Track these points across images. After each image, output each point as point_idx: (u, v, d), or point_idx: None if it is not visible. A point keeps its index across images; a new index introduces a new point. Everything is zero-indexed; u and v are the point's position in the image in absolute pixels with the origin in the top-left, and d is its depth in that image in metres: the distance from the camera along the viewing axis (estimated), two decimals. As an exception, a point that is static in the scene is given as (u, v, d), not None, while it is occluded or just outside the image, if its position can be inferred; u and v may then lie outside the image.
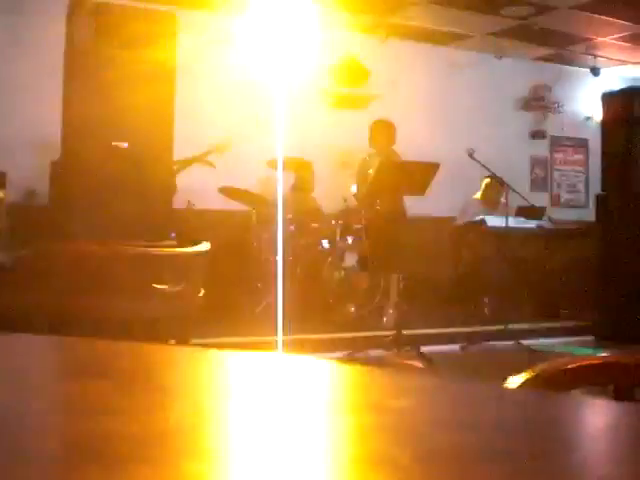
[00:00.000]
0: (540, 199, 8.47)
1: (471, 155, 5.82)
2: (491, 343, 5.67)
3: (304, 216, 7.03)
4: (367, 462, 0.46)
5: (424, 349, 5.18)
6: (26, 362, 0.80)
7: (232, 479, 0.43)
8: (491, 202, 7.18)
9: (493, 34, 8.22)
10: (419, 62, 8.40)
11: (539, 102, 9.31)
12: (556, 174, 9.70)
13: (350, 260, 6.68)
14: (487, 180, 6.99)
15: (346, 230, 6.99)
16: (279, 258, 7.00)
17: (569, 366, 1.00)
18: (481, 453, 0.50)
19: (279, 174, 7.20)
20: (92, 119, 4.23)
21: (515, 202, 6.56)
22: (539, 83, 9.31)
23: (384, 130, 6.41)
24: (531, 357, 5.29)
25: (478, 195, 7.41)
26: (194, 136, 6.85)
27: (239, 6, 7.34)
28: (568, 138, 9.68)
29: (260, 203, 7.02)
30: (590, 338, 6.10)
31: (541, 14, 7.47)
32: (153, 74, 4.37)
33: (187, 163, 6.61)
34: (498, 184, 6.42)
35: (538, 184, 9.47)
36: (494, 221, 6.41)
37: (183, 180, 6.59)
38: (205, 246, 1.58)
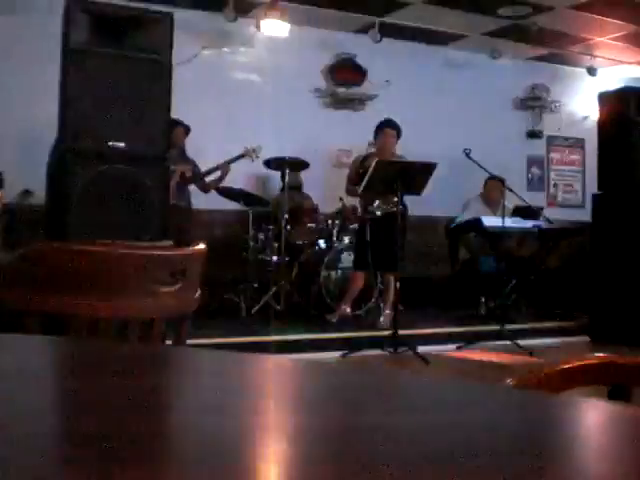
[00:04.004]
0: (537, 199, 8.47)
1: (468, 155, 5.82)
2: (487, 343, 5.67)
3: (300, 216, 7.03)
4: (367, 461, 0.47)
5: (420, 349, 5.18)
6: (22, 362, 0.80)
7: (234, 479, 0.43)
8: (493, 201, 7.18)
9: (489, 34, 8.22)
10: (415, 62, 8.40)
11: (536, 102, 9.32)
12: (553, 174, 9.70)
13: (346, 260, 6.69)
14: (489, 179, 6.97)
15: (342, 230, 7.00)
16: (275, 258, 7.04)
17: (565, 366, 1.00)
18: (478, 453, 0.50)
19: (275, 174, 7.21)
20: (88, 119, 4.23)
21: (512, 202, 6.56)
22: (536, 83, 9.32)
23: (389, 129, 6.38)
24: (527, 357, 5.29)
25: (480, 194, 7.41)
26: (192, 135, 6.85)
27: (237, 7, 7.35)
28: (565, 138, 9.69)
29: (256, 203, 7.02)
30: (586, 338, 6.10)
31: (538, 14, 7.47)
32: (150, 74, 4.37)
33: (218, 168, 6.70)
34: (500, 183, 6.42)
35: (535, 184, 9.48)
36: (491, 221, 6.40)
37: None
38: (202, 246, 1.58)
